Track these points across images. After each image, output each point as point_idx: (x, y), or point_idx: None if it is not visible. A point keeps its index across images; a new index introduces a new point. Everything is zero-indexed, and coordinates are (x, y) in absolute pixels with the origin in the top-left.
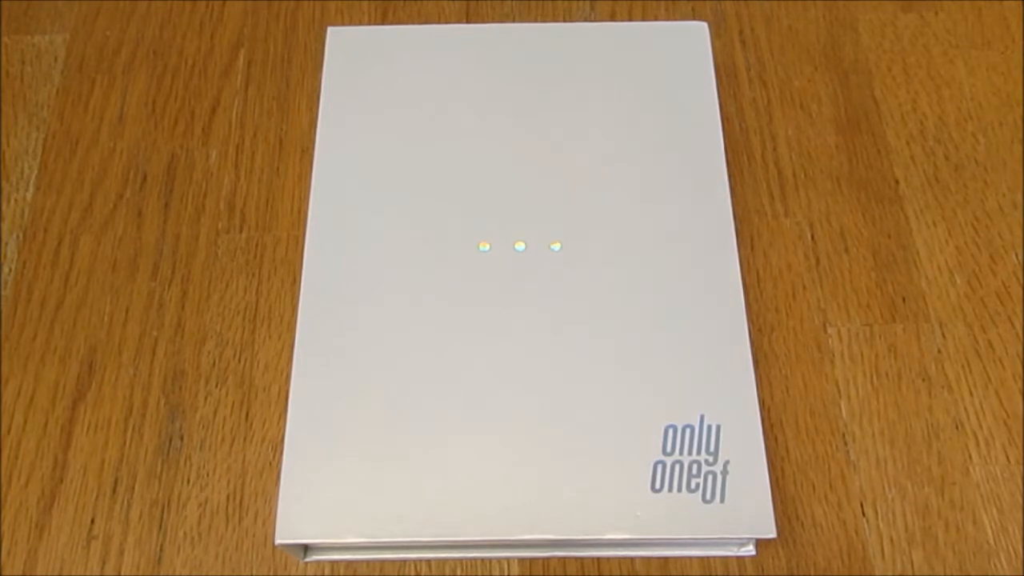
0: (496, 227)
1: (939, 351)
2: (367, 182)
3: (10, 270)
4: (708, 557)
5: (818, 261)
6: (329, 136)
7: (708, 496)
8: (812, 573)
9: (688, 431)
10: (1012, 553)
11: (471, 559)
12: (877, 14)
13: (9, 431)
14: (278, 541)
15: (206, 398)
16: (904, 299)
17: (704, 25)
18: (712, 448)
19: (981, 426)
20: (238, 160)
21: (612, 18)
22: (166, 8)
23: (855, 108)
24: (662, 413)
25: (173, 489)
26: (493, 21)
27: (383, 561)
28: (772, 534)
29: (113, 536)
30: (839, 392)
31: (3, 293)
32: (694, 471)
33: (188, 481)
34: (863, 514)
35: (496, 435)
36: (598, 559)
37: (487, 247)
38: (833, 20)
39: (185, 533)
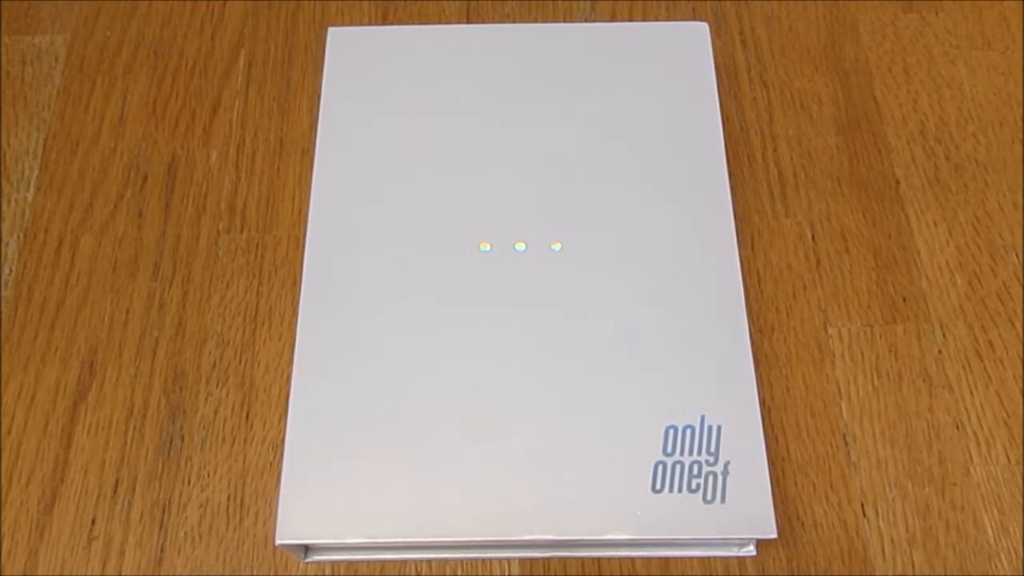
0: (496, 227)
1: (940, 351)
2: (367, 183)
3: (11, 271)
4: (708, 557)
5: (818, 261)
6: (329, 137)
7: (709, 496)
8: (813, 573)
9: (689, 431)
10: (1013, 553)
11: (471, 559)
12: (877, 14)
13: (10, 432)
14: (279, 541)
15: (207, 398)
16: (905, 299)
17: (704, 25)
18: (712, 449)
19: (982, 426)
20: (239, 161)
21: (612, 18)
22: (166, 8)
23: (856, 108)
24: (662, 414)
25: (174, 490)
26: (493, 21)
27: (383, 561)
28: (772, 534)
29: (114, 537)
30: (840, 392)
31: (4, 293)
32: (695, 471)
33: (189, 481)
34: (864, 514)
35: (496, 435)
36: (599, 560)
37: (488, 247)
38: (833, 20)
39: (186, 534)
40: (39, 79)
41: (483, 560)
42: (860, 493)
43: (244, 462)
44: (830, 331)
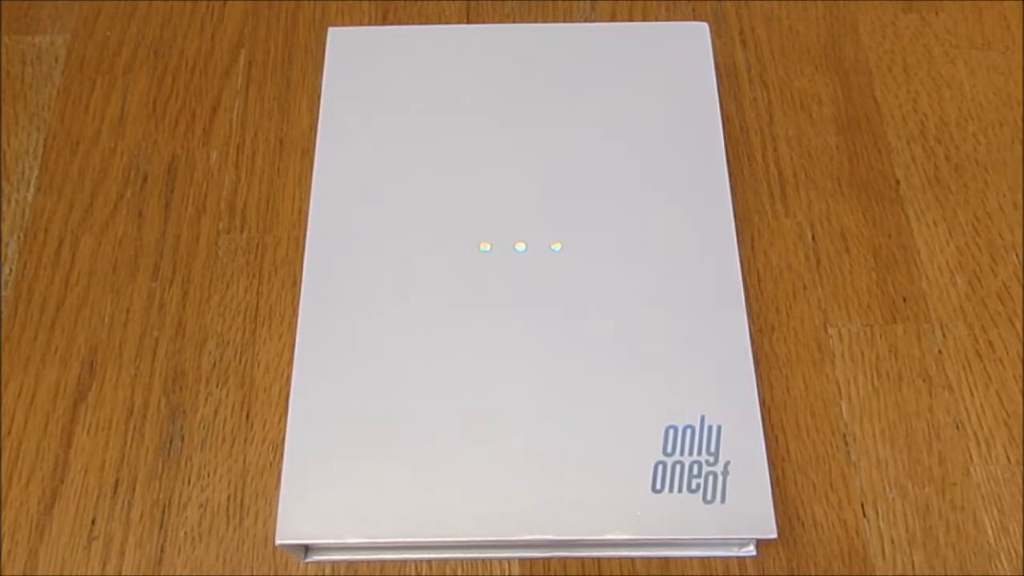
0: (497, 227)
1: (940, 351)
2: (367, 182)
3: (11, 271)
4: (708, 557)
5: (818, 261)
6: (329, 137)
7: (709, 496)
8: (813, 574)
9: (689, 432)
10: (1013, 553)
11: (471, 559)
12: (877, 14)
13: (10, 431)
14: (279, 541)
15: (207, 398)
16: (905, 299)
17: (704, 25)
18: (713, 449)
19: (982, 426)
20: (239, 161)
21: (612, 18)
22: (166, 8)
23: (856, 108)
24: (662, 414)
25: (174, 490)
26: (493, 21)
27: (383, 561)
28: (772, 534)
29: (114, 537)
30: (840, 392)
31: (4, 293)
32: (695, 471)
33: (189, 482)
34: (864, 514)
35: (496, 435)
36: (599, 559)
37: (488, 247)
38: (833, 20)
39: (186, 534)
40: (39, 79)
41: (483, 560)
42: (860, 493)
43: (244, 462)
44: (830, 331)
